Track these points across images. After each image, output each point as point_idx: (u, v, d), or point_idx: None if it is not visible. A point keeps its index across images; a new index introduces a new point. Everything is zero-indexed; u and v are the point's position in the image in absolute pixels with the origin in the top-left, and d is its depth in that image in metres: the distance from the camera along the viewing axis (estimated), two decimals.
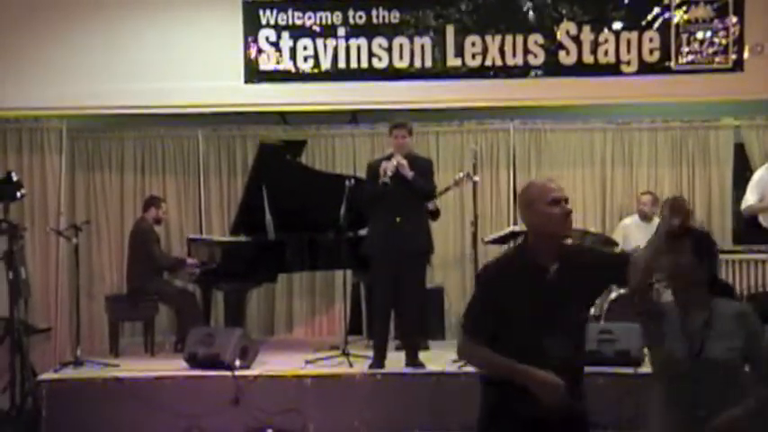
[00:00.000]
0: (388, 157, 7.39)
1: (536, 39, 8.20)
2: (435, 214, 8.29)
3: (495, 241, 8.33)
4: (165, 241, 9.37)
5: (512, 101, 8.52)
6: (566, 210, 3.56)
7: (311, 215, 8.34)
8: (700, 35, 8.08)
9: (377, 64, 8.28)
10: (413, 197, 7.34)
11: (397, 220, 7.24)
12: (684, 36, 8.08)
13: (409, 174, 7.24)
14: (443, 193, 8.38)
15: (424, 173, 7.43)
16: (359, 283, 9.05)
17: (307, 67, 8.30)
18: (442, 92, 8.30)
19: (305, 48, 8.29)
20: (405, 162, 7.24)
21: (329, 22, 8.25)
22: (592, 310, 8.20)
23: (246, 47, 8.30)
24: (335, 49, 8.27)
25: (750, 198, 8.42)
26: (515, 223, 9.18)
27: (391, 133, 7.44)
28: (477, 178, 7.97)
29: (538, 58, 8.21)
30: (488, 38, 8.21)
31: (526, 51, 8.20)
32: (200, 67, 8.26)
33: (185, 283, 9.01)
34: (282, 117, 9.91)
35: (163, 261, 8.85)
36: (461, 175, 8.27)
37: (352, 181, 7.83)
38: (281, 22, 8.26)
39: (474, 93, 8.31)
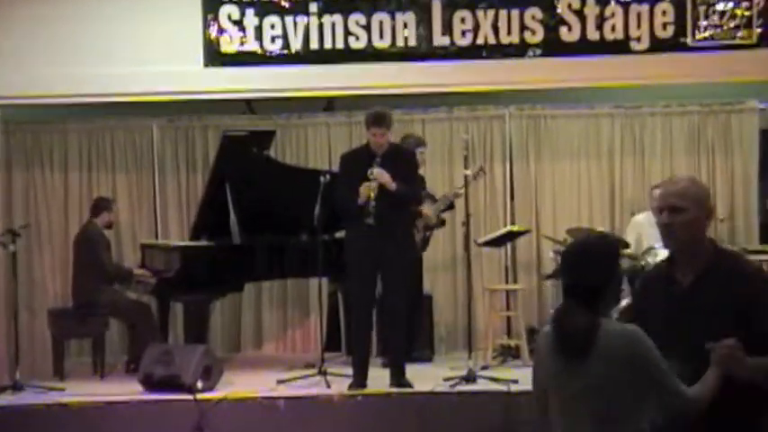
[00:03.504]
0: (365, 152, 7.44)
1: (534, 13, 8.22)
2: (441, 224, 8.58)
3: (489, 243, 8.48)
4: (115, 247, 9.35)
5: (507, 84, 8.58)
6: (662, 220, 3.60)
7: (282, 215, 8.36)
8: (720, 7, 8.12)
9: (354, 44, 8.31)
10: (395, 200, 7.36)
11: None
12: (702, 8, 8.13)
13: (393, 187, 7.28)
14: (458, 196, 8.36)
15: (407, 172, 7.49)
16: (336, 292, 9.09)
17: (275, 48, 8.34)
18: (428, 75, 8.34)
19: (272, 26, 8.32)
20: (386, 178, 7.25)
21: None
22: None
23: (206, 26, 8.33)
24: (307, 27, 8.31)
25: None
26: (513, 222, 9.40)
27: (368, 129, 7.43)
28: (468, 172, 7.94)
29: (536, 36, 8.25)
30: (480, 13, 8.24)
31: (523, 28, 8.25)
32: (153, 50, 8.31)
33: (139, 295, 8.96)
34: (248, 105, 10.02)
35: (113, 271, 8.77)
36: (475, 168, 8.33)
37: (328, 176, 7.83)
38: None
39: (464, 75, 8.36)
